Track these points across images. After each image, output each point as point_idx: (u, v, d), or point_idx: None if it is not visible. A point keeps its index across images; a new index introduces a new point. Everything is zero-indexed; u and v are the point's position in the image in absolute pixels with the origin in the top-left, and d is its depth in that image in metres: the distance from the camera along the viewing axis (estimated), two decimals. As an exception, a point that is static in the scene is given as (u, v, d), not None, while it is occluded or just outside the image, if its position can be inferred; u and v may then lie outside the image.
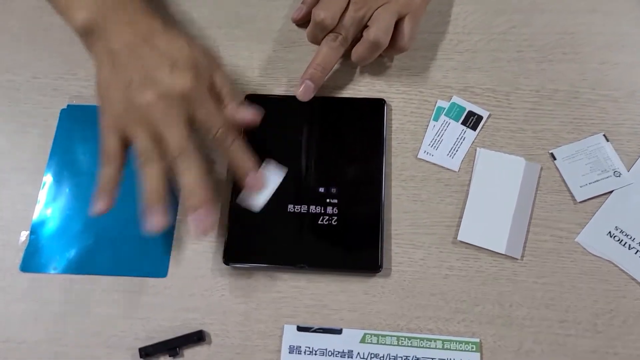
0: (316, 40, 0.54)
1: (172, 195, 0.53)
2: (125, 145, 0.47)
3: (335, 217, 0.51)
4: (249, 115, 0.50)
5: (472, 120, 0.55)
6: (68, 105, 0.57)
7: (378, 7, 0.52)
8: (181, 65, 0.47)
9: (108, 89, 0.47)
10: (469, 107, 0.55)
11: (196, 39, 0.57)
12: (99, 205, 0.46)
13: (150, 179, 0.46)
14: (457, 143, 0.54)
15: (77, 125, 0.56)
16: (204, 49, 0.50)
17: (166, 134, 0.46)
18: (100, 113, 0.48)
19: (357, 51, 0.54)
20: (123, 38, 0.48)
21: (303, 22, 0.59)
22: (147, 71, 0.46)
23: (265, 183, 0.49)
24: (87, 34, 0.49)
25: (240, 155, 0.49)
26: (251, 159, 0.49)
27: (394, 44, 0.54)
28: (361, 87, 0.57)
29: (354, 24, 0.52)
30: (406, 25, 0.53)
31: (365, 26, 0.53)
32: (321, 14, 0.51)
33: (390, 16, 0.52)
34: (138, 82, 0.46)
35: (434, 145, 0.54)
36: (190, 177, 0.46)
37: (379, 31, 0.52)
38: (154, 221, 0.45)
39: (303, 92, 0.53)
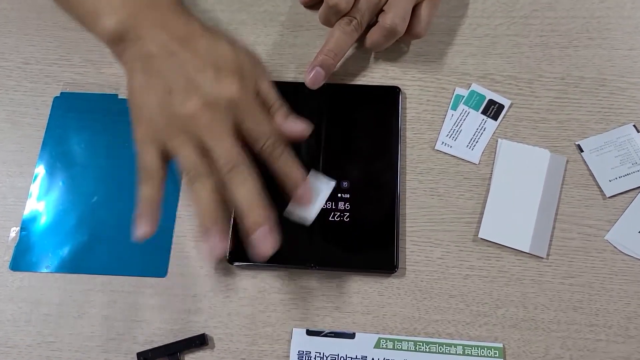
0: (329, 23, 0.51)
1: (173, 185, 0.50)
2: (165, 159, 0.43)
3: (347, 214, 0.48)
4: (299, 127, 0.45)
5: (492, 110, 0.52)
6: (61, 93, 0.54)
7: None
8: (226, 70, 0.43)
9: (143, 97, 0.43)
10: (490, 95, 0.52)
11: (238, 40, 0.49)
12: (142, 230, 0.42)
13: (202, 198, 0.42)
14: (477, 134, 0.51)
15: (70, 114, 0.53)
16: (247, 51, 0.46)
17: (214, 146, 0.42)
18: (134, 123, 0.44)
19: (372, 37, 0.51)
20: (159, 41, 0.43)
21: (312, 3, 0.56)
22: (188, 77, 0.42)
23: (315, 195, 0.45)
24: (118, 40, 0.44)
25: (290, 166, 0.44)
26: (300, 170, 0.45)
27: (410, 29, 0.51)
28: (374, 74, 0.54)
29: (369, 8, 0.49)
30: (424, 11, 0.50)
31: (381, 10, 0.50)
32: None
33: (408, 1, 0.49)
34: (179, 89, 0.42)
35: (452, 135, 0.51)
36: (246, 193, 0.42)
37: (396, 18, 0.49)
38: (212, 246, 0.41)
39: (313, 79, 0.50)
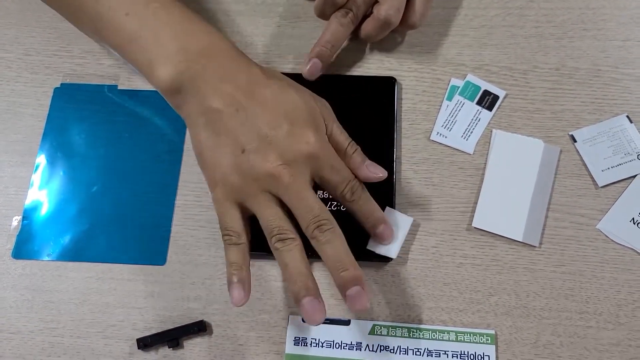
0: (324, 15, 0.51)
1: (172, 174, 0.51)
2: (246, 216, 0.42)
3: (343, 203, 0.48)
4: (378, 172, 0.44)
5: (487, 100, 0.52)
6: (62, 84, 0.55)
7: None
8: (300, 121, 0.41)
9: (215, 156, 0.42)
10: (485, 86, 0.53)
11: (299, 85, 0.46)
12: (238, 297, 0.41)
13: (292, 262, 0.40)
14: (471, 124, 0.52)
15: (71, 105, 0.54)
16: (313, 96, 0.44)
17: (296, 205, 0.41)
18: (210, 184, 0.43)
19: (367, 28, 0.51)
20: (222, 94, 0.41)
21: (310, -6, 0.56)
22: (261, 134, 0.41)
23: (396, 232, 0.45)
24: (175, 92, 0.42)
25: (369, 207, 0.44)
26: (380, 210, 0.45)
27: (405, 20, 0.51)
28: (370, 65, 0.54)
29: (365, 0, 0.50)
30: (419, 1, 0.51)
31: (376, 1, 0.50)
32: None
33: None
34: (254, 148, 0.40)
35: (447, 126, 0.52)
36: (335, 252, 0.41)
37: (390, 9, 0.49)
38: (311, 314, 0.40)
39: (310, 70, 0.51)
